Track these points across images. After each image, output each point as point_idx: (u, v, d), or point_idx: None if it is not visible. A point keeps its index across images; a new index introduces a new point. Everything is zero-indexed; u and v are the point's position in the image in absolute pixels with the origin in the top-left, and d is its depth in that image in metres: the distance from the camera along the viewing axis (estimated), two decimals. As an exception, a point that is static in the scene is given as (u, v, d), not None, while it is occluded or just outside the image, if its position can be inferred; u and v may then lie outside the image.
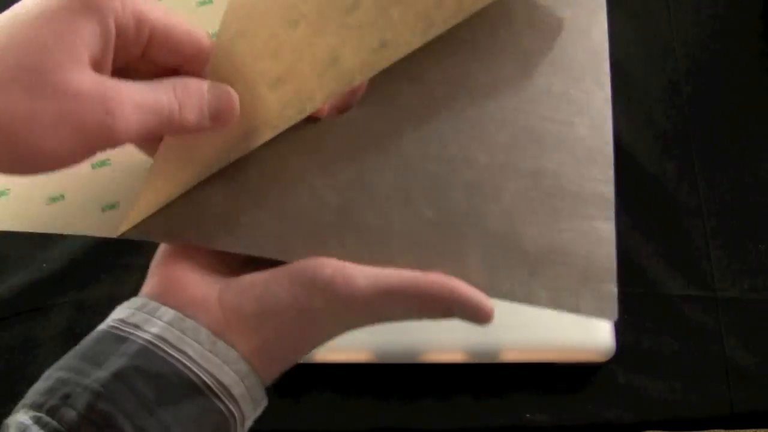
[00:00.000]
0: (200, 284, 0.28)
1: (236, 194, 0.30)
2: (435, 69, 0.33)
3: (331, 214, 0.29)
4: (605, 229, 0.31)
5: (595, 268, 0.30)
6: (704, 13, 0.58)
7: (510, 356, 0.45)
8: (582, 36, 0.35)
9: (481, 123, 0.32)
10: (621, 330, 0.46)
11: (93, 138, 0.23)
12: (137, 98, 0.24)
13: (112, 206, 0.30)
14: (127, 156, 0.31)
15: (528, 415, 0.46)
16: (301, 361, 0.45)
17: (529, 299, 0.29)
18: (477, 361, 0.45)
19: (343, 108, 0.32)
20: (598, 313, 0.29)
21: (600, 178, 0.32)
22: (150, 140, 0.27)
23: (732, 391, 0.46)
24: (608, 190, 0.32)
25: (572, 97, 0.33)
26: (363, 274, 0.27)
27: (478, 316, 0.27)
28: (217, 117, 0.27)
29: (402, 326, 0.44)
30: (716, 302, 0.49)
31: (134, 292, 0.53)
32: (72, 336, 0.48)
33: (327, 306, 0.27)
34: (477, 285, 0.28)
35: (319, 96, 0.30)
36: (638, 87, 0.55)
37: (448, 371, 0.46)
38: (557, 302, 0.29)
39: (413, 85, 0.33)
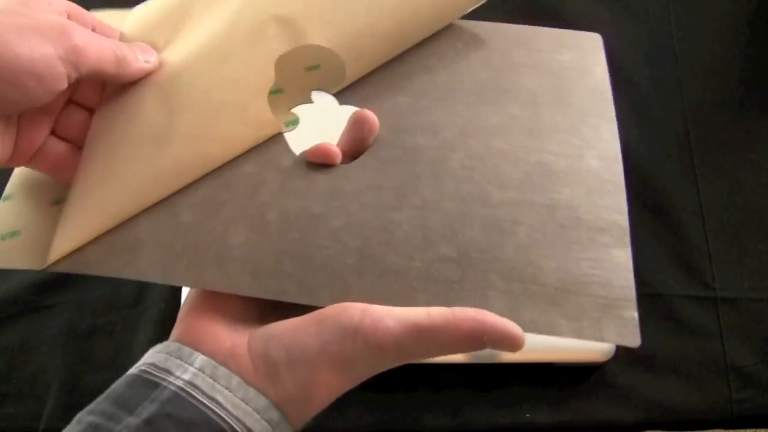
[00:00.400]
0: (229, 333, 0.28)
1: (258, 238, 0.30)
2: (443, 114, 0.34)
3: (352, 257, 0.30)
4: (621, 256, 0.32)
5: (614, 296, 0.30)
6: (704, 13, 0.58)
7: (510, 356, 0.45)
8: (584, 75, 0.36)
9: (493, 161, 0.33)
10: (621, 330, 0.46)
11: (59, 47, 0.28)
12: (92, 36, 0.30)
13: (12, 234, 0.31)
14: (29, 188, 0.33)
15: (528, 415, 0.46)
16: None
17: (551, 330, 0.29)
18: (477, 361, 0.45)
19: (355, 153, 0.33)
20: (620, 340, 0.29)
21: (613, 208, 0.32)
22: (62, 168, 0.31)
23: (732, 391, 0.46)
24: (622, 218, 0.32)
25: (580, 132, 0.34)
26: (391, 316, 0.27)
27: (513, 344, 0.27)
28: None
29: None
30: (716, 302, 0.49)
31: (134, 293, 0.53)
32: (72, 336, 0.48)
33: (358, 351, 0.27)
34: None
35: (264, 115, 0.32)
36: (638, 87, 0.55)
37: (448, 371, 0.46)
38: (579, 332, 0.29)
39: (423, 131, 0.34)
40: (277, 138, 0.33)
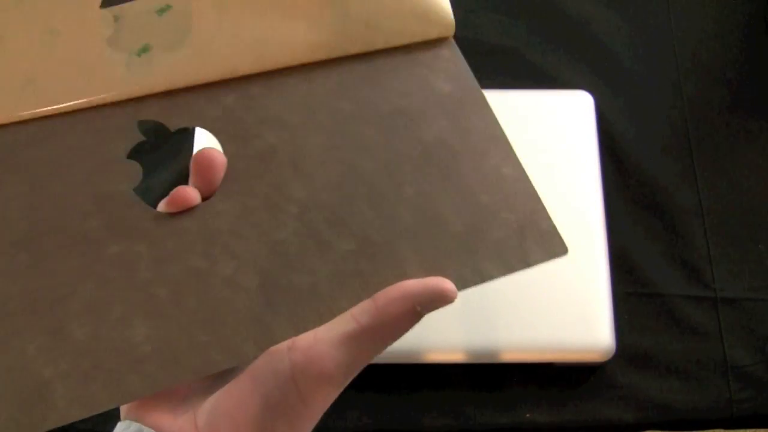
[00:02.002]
0: (174, 418, 0.26)
1: (160, 323, 0.27)
2: (278, 100, 0.31)
3: (257, 296, 0.28)
4: (513, 172, 0.29)
5: (523, 214, 0.28)
6: (704, 13, 0.58)
7: (510, 356, 0.45)
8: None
9: (347, 127, 0.30)
10: (621, 330, 0.46)
11: None
12: None
13: None
14: None
15: (528, 415, 0.46)
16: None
17: (481, 278, 0.27)
18: (477, 361, 0.45)
19: (212, 187, 0.30)
20: (548, 256, 0.28)
21: (484, 127, 0.30)
22: None
23: (732, 391, 0.46)
24: (498, 132, 0.30)
25: (419, 60, 0.31)
26: (320, 340, 0.26)
27: (444, 297, 0.26)
28: None
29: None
30: (716, 302, 0.49)
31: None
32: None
33: (302, 390, 0.25)
34: None
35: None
36: (638, 87, 0.55)
37: (448, 371, 0.46)
38: (508, 267, 0.27)
39: (266, 126, 0.31)
40: (125, 199, 0.29)
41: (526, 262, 0.28)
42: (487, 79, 0.56)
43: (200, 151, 0.30)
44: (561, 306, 0.45)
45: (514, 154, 0.30)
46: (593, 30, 0.58)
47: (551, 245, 0.28)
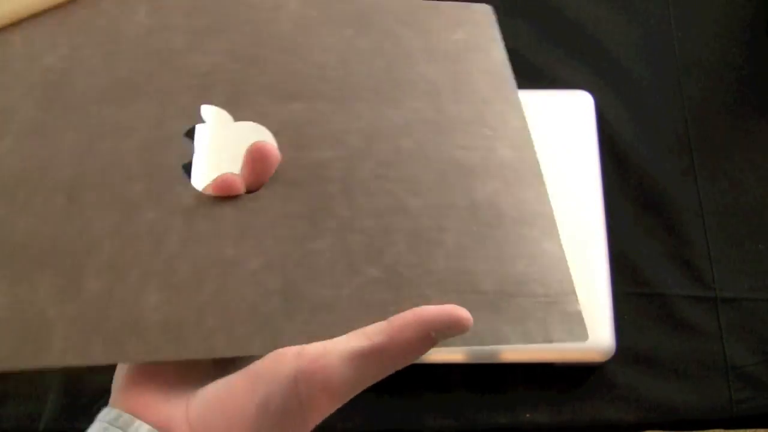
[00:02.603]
0: (165, 403, 0.26)
1: (172, 296, 0.27)
2: (343, 118, 0.32)
3: (277, 298, 0.28)
4: (553, 249, 0.30)
5: (554, 292, 0.29)
6: (704, 13, 0.58)
7: (510, 356, 0.45)
8: (481, 56, 0.34)
9: (405, 165, 0.31)
10: (621, 330, 0.46)
11: None
12: None
13: None
14: None
15: (528, 415, 0.46)
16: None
17: (497, 339, 0.28)
18: (477, 361, 0.45)
19: (260, 181, 0.30)
20: (569, 337, 0.28)
21: (535, 199, 0.31)
22: None
23: (732, 391, 0.46)
24: (546, 208, 0.31)
25: (487, 122, 0.32)
26: (329, 351, 0.25)
27: (460, 326, 0.26)
28: None
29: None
30: (716, 302, 0.49)
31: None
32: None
33: (303, 400, 0.25)
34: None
35: None
36: (638, 87, 0.55)
37: (448, 371, 0.46)
38: (527, 336, 0.28)
39: (326, 141, 0.31)
40: (173, 174, 0.30)
41: (547, 337, 0.28)
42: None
43: (256, 142, 0.30)
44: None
45: (557, 233, 0.30)
46: (593, 30, 0.58)
47: (574, 328, 0.29)
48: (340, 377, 0.25)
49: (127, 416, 0.25)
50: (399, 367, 0.26)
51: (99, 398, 0.45)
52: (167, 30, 0.33)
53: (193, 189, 0.30)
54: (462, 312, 0.26)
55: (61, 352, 0.26)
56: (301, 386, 0.25)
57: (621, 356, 0.46)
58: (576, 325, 0.29)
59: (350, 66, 0.33)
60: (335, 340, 0.26)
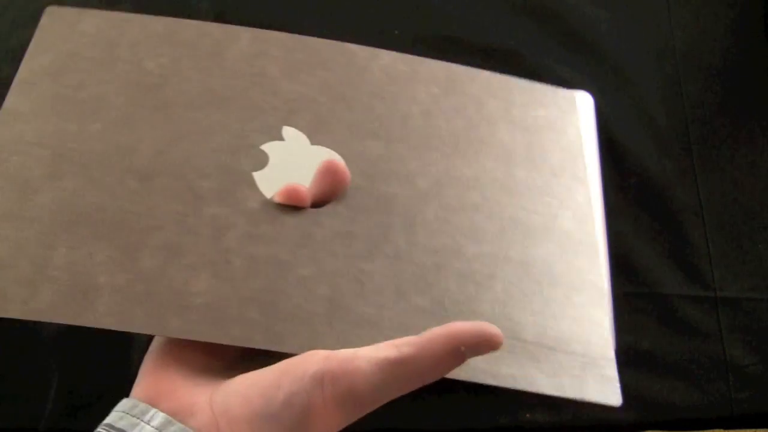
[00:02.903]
0: (190, 388, 0.26)
1: (221, 284, 0.29)
2: (417, 163, 0.34)
3: (321, 306, 0.29)
4: (599, 315, 0.31)
5: (594, 354, 0.30)
6: (704, 13, 0.58)
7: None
8: (558, 134, 0.36)
9: (468, 214, 0.32)
10: (621, 330, 0.46)
11: None
12: None
13: None
14: None
15: (528, 415, 0.46)
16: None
17: (531, 386, 0.29)
18: (477, 361, 0.45)
19: (326, 201, 0.32)
20: (601, 398, 0.29)
21: (589, 269, 0.32)
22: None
23: (732, 391, 0.46)
24: (599, 279, 0.32)
25: (554, 192, 0.34)
26: (358, 356, 0.26)
27: (491, 344, 0.26)
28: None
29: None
30: (716, 302, 0.49)
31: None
32: (72, 336, 0.48)
33: (328, 398, 0.25)
34: (479, 371, 0.28)
35: None
36: (638, 87, 0.55)
37: (448, 371, 0.46)
38: (560, 389, 0.29)
39: (397, 179, 0.33)
40: (245, 178, 0.32)
41: (580, 393, 0.29)
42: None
43: (328, 159, 0.32)
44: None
45: (606, 304, 0.32)
46: (593, 30, 0.58)
47: (608, 391, 0.29)
48: (366, 383, 0.25)
49: (143, 405, 0.26)
50: (427, 381, 0.26)
51: (99, 398, 0.45)
52: (265, 57, 0.36)
53: (261, 195, 0.31)
54: (492, 329, 0.26)
55: (102, 315, 0.27)
56: (327, 387, 0.25)
57: (621, 356, 0.46)
58: (610, 389, 0.29)
59: (432, 119, 0.35)
60: (365, 348, 0.26)
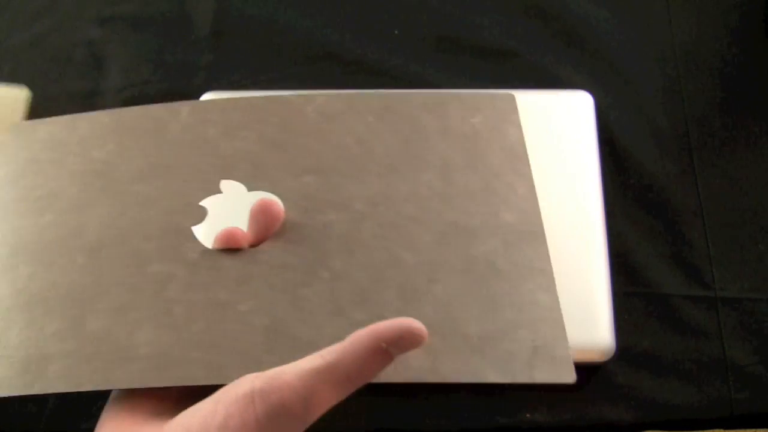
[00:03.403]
0: (141, 429, 0.27)
1: (164, 333, 0.30)
2: (354, 188, 0.34)
3: (260, 335, 0.30)
4: (547, 299, 0.31)
5: (543, 338, 0.30)
6: (704, 13, 0.58)
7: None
8: (497, 136, 0.36)
9: (405, 227, 0.33)
10: (621, 330, 0.46)
11: None
12: None
13: None
14: None
15: (528, 415, 0.46)
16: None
17: (477, 377, 0.29)
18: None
19: (263, 237, 0.33)
20: (553, 378, 0.29)
21: (535, 257, 0.32)
22: None
23: (732, 391, 0.46)
24: (545, 266, 0.32)
25: (495, 191, 0.34)
26: (285, 371, 0.26)
27: (414, 337, 0.27)
28: None
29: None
30: (716, 302, 0.49)
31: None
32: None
33: (260, 417, 0.25)
34: (419, 370, 0.28)
35: None
36: (638, 87, 0.55)
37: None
38: (508, 375, 0.29)
39: (333, 207, 0.34)
40: (186, 234, 0.33)
41: (530, 376, 0.29)
42: (487, 79, 0.56)
43: (261, 199, 0.33)
44: (561, 306, 0.44)
45: (554, 287, 0.31)
46: (593, 30, 0.58)
47: (559, 370, 0.29)
48: (295, 395, 0.26)
49: None
50: (358, 383, 0.27)
51: (99, 398, 0.45)
52: (204, 124, 0.37)
53: (201, 245, 0.33)
54: (413, 323, 0.26)
55: (53, 380, 0.29)
56: (258, 405, 0.25)
57: (621, 356, 0.46)
58: (563, 368, 0.29)
59: (367, 145, 0.36)
60: (292, 363, 0.27)
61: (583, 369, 0.47)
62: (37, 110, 0.56)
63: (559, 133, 0.49)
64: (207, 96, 0.51)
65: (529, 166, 0.35)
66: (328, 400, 0.26)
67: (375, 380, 0.28)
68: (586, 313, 0.45)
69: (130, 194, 0.35)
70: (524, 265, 0.32)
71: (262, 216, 0.33)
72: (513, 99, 0.38)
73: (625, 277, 0.49)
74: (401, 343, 0.26)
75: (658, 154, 0.53)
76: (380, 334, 0.26)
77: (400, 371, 0.28)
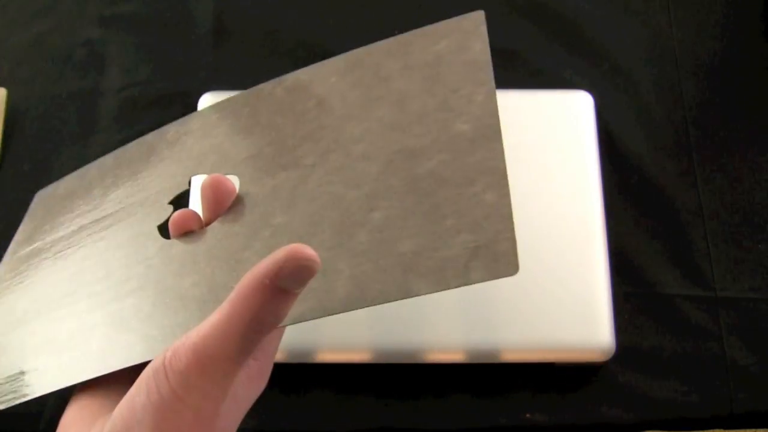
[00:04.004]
0: (94, 428, 0.28)
1: (112, 329, 0.32)
2: (306, 146, 0.33)
3: (196, 305, 0.30)
4: (494, 197, 0.28)
5: (485, 237, 0.27)
6: (704, 13, 0.58)
7: (510, 356, 0.45)
8: (461, 53, 0.33)
9: (352, 166, 0.31)
10: (621, 330, 0.46)
11: None
12: None
13: None
14: None
15: (528, 415, 0.46)
16: (302, 362, 0.45)
17: (405, 293, 0.27)
18: (477, 361, 0.45)
19: (217, 215, 0.33)
20: (492, 275, 0.26)
21: (486, 158, 0.29)
22: None
23: (732, 391, 0.46)
24: (498, 163, 0.29)
25: (450, 106, 0.31)
26: (190, 335, 0.25)
27: (300, 265, 0.25)
28: None
29: (402, 326, 0.44)
30: (716, 302, 0.49)
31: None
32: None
33: (176, 384, 0.25)
34: (347, 299, 0.27)
35: None
36: (638, 87, 0.55)
37: (448, 371, 0.46)
38: (442, 285, 0.26)
39: (283, 168, 0.33)
40: (150, 234, 0.34)
41: (466, 279, 0.26)
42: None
43: (210, 176, 0.32)
44: (561, 306, 0.45)
45: (505, 183, 0.28)
46: (593, 30, 0.58)
47: (499, 266, 0.26)
48: (202, 356, 0.25)
49: None
50: (265, 329, 0.26)
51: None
52: (186, 135, 0.38)
53: (161, 241, 0.34)
54: (293, 249, 0.25)
55: (30, 385, 0.32)
56: (169, 374, 0.25)
57: (621, 356, 0.46)
58: (502, 262, 0.26)
59: (326, 104, 0.34)
60: (200, 324, 0.26)
61: (583, 369, 0.47)
62: (37, 110, 0.57)
63: (559, 133, 0.49)
64: (207, 96, 0.51)
65: (490, 73, 0.32)
66: (240, 353, 0.25)
67: (298, 320, 0.27)
68: (585, 313, 0.45)
69: (111, 219, 0.37)
70: (474, 168, 0.29)
71: (211, 192, 0.32)
72: (481, 15, 0.35)
73: (625, 277, 0.49)
74: (286, 274, 0.25)
75: (658, 154, 0.53)
76: (260, 271, 0.25)
77: (327, 305, 0.27)
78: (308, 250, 0.25)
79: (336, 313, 0.27)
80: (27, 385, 0.32)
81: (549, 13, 0.58)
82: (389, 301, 0.27)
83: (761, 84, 0.55)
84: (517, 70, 0.56)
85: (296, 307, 0.27)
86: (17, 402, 0.32)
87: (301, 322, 0.27)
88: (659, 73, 0.56)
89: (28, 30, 0.60)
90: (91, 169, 0.42)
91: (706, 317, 0.48)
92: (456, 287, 0.26)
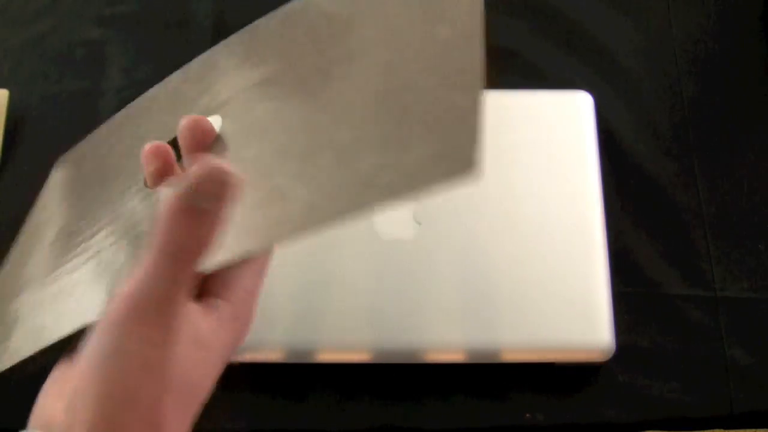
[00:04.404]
0: (58, 405, 0.27)
1: (88, 287, 0.32)
2: (292, 73, 0.32)
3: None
4: (464, 99, 0.25)
5: (450, 143, 0.24)
6: (704, 13, 0.58)
7: (510, 356, 0.45)
8: (456, 13, 0.30)
9: (326, 89, 0.29)
10: (621, 330, 0.46)
11: None
12: None
13: None
14: None
15: (528, 415, 0.46)
16: (302, 362, 0.45)
17: (359, 208, 0.25)
18: (477, 361, 0.45)
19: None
20: (449, 179, 0.23)
21: (465, 60, 0.27)
22: None
23: (732, 391, 0.46)
24: (474, 65, 0.27)
25: (434, 14, 0.29)
26: (122, 287, 0.24)
27: (214, 181, 0.24)
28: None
29: (402, 326, 0.44)
30: (716, 302, 0.49)
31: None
32: (71, 335, 0.48)
33: (115, 339, 0.24)
34: (300, 221, 0.25)
35: None
36: (638, 87, 0.55)
37: (448, 371, 0.46)
38: (398, 196, 0.24)
39: (270, 98, 0.31)
40: (128, 190, 0.33)
41: (425, 189, 0.24)
42: (486, 79, 0.56)
43: (186, 117, 0.31)
44: (561, 306, 0.45)
45: (477, 85, 0.26)
46: (593, 30, 0.58)
47: (459, 172, 0.23)
48: (125, 301, 0.24)
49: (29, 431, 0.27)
50: (190, 260, 0.25)
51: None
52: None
53: (141, 193, 0.33)
54: (204, 165, 0.24)
55: (11, 353, 0.34)
56: (107, 329, 0.24)
57: (621, 356, 0.46)
58: (463, 168, 0.23)
59: (316, 30, 0.32)
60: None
61: (583, 369, 0.47)
62: (37, 110, 0.57)
63: (559, 133, 0.49)
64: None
65: (482, 18, 0.29)
66: (169, 289, 0.24)
67: (249, 252, 0.25)
68: (585, 313, 0.45)
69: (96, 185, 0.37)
70: (449, 74, 0.27)
71: (188, 132, 0.30)
72: None
73: (625, 276, 0.49)
74: (200, 192, 0.24)
75: (658, 154, 0.53)
76: (174, 195, 0.24)
77: (282, 230, 0.26)
78: (219, 164, 0.24)
79: (290, 239, 0.25)
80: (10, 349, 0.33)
81: (549, 13, 0.58)
82: (345, 220, 0.25)
83: (761, 84, 0.55)
84: (517, 69, 0.56)
85: (248, 238, 0.26)
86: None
87: (252, 254, 0.26)
88: (659, 73, 0.56)
89: (28, 30, 0.60)
90: (109, 129, 0.41)
91: (706, 317, 0.48)
92: (413, 197, 0.24)
